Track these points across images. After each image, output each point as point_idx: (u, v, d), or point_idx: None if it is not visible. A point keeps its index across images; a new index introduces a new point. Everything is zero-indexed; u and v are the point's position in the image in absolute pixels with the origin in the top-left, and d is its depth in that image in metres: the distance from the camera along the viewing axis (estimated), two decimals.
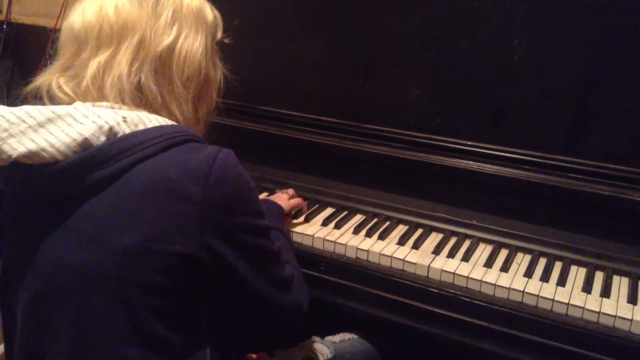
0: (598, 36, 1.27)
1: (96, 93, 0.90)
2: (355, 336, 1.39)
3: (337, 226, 1.40)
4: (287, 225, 1.38)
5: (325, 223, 1.42)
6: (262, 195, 1.55)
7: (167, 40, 0.93)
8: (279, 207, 1.31)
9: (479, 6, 1.35)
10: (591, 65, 1.28)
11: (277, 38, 1.60)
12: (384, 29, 1.46)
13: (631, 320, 1.09)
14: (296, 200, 1.42)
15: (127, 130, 0.86)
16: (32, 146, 0.81)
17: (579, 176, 1.29)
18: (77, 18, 0.93)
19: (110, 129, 0.84)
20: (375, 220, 1.44)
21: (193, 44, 0.96)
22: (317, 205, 1.50)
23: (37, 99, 0.97)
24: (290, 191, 1.46)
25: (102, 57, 0.90)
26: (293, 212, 1.43)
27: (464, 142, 1.39)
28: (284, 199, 1.39)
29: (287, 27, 1.58)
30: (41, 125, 0.82)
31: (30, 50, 2.99)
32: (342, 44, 1.52)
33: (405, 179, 1.46)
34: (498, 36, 1.35)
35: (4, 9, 2.90)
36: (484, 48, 1.36)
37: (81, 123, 0.83)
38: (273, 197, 1.39)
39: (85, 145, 0.83)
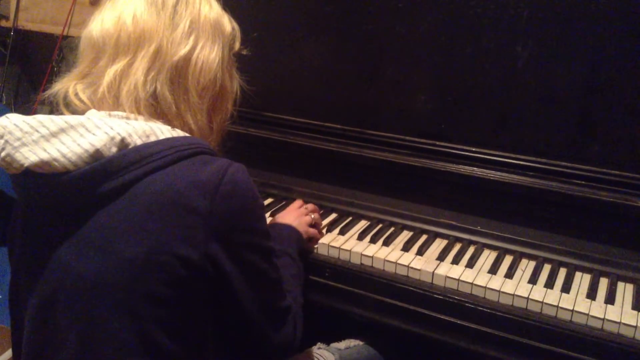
0: (602, 42, 1.27)
1: (112, 101, 0.91)
2: (361, 342, 1.39)
3: (342, 232, 1.41)
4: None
5: (329, 229, 1.42)
6: (268, 201, 1.56)
7: (183, 50, 0.93)
8: (297, 234, 1.27)
9: (483, 12, 1.36)
10: (595, 71, 1.28)
11: (281, 44, 1.60)
12: (388, 35, 1.47)
13: (636, 327, 1.09)
14: (315, 231, 1.36)
15: (139, 142, 0.86)
16: (44, 156, 0.82)
17: (583, 182, 1.29)
18: (96, 27, 0.94)
19: (122, 140, 0.85)
20: (380, 226, 1.45)
21: (209, 55, 0.96)
22: (321, 211, 1.50)
23: (44, 105, 0.98)
24: (316, 215, 1.40)
25: (119, 65, 0.91)
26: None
27: (468, 148, 1.40)
28: (306, 222, 1.34)
29: (291, 34, 1.59)
30: (54, 135, 0.83)
31: (37, 57, 3.01)
32: (346, 51, 1.53)
33: (410, 185, 1.46)
34: (502, 42, 1.35)
35: (12, 16, 2.92)
36: (488, 54, 1.37)
37: (93, 134, 0.84)
38: (298, 215, 1.34)
39: (96, 155, 0.83)
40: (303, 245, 1.30)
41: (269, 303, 0.99)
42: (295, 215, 1.35)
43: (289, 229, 1.27)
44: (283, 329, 1.01)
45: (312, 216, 1.38)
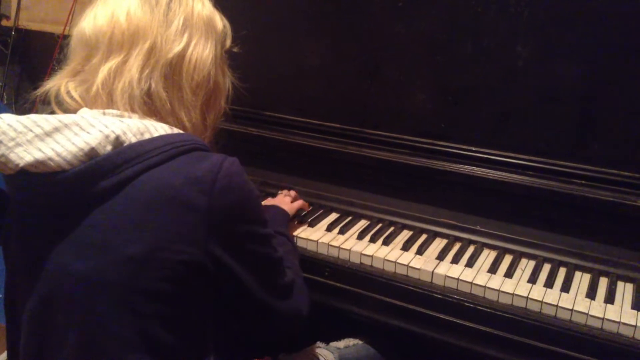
0: (602, 41, 1.27)
1: (106, 98, 0.91)
2: (360, 342, 1.38)
3: (342, 231, 1.41)
4: (291, 229, 1.38)
5: (329, 228, 1.42)
6: (266, 201, 1.56)
7: (177, 48, 0.93)
8: (283, 212, 1.32)
9: (483, 12, 1.35)
10: (595, 70, 1.28)
11: (281, 44, 1.60)
12: (388, 34, 1.46)
13: (635, 326, 1.09)
14: (299, 203, 1.43)
15: (133, 139, 0.86)
16: (39, 155, 0.82)
17: (583, 182, 1.28)
18: (89, 24, 0.93)
19: (117, 138, 0.85)
20: (380, 225, 1.45)
21: (203, 52, 0.96)
22: (321, 211, 1.51)
23: (45, 104, 0.98)
24: (293, 193, 1.46)
25: (112, 62, 0.91)
26: (296, 216, 1.43)
27: (467, 147, 1.40)
28: (287, 202, 1.40)
29: (291, 33, 1.59)
30: (48, 134, 0.83)
31: (38, 56, 3.02)
32: (346, 50, 1.52)
33: (410, 185, 1.46)
34: (502, 42, 1.35)
35: (13, 16, 2.93)
36: (488, 53, 1.37)
37: (88, 132, 0.84)
38: (276, 201, 1.40)
39: (91, 154, 0.83)
40: (290, 221, 1.37)
41: (274, 283, 1.00)
42: (275, 200, 1.40)
43: (274, 209, 1.31)
44: (290, 301, 1.04)
45: (290, 194, 1.45)
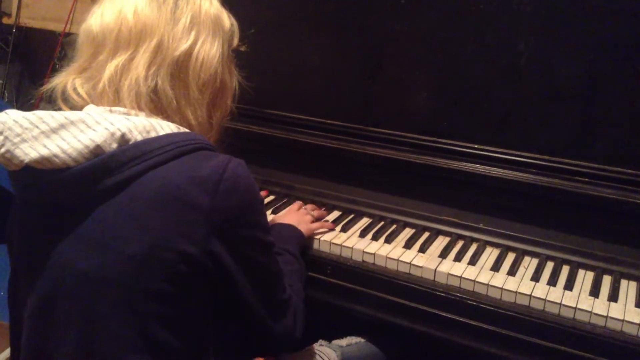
0: (604, 40, 1.26)
1: (113, 96, 0.91)
2: (363, 340, 1.38)
3: (344, 229, 1.40)
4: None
5: None
6: (269, 199, 1.56)
7: (184, 45, 0.93)
8: (299, 233, 1.29)
9: (485, 9, 1.35)
10: (597, 68, 1.28)
11: (283, 42, 1.60)
12: (390, 32, 1.46)
13: (639, 324, 1.09)
14: (318, 224, 1.39)
15: (139, 138, 0.86)
16: (44, 152, 0.81)
17: (586, 179, 1.28)
18: (96, 21, 0.93)
19: (122, 135, 0.85)
20: (382, 223, 1.44)
21: (210, 50, 0.96)
22: (322, 209, 1.50)
23: (47, 102, 0.98)
24: (316, 213, 1.43)
25: (119, 59, 0.90)
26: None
27: (470, 145, 1.39)
28: (306, 221, 1.36)
29: (293, 31, 1.59)
30: (54, 131, 0.83)
31: (39, 54, 3.02)
32: (348, 48, 1.52)
33: (412, 182, 1.45)
34: (504, 39, 1.35)
35: (13, 13, 2.93)
36: (490, 51, 1.36)
37: (93, 129, 0.84)
38: (295, 218, 1.35)
39: (97, 151, 0.83)
40: (305, 242, 1.32)
41: (269, 296, 0.99)
42: (295, 216, 1.37)
43: (289, 228, 1.29)
44: (284, 320, 1.02)
45: (312, 213, 1.41)
